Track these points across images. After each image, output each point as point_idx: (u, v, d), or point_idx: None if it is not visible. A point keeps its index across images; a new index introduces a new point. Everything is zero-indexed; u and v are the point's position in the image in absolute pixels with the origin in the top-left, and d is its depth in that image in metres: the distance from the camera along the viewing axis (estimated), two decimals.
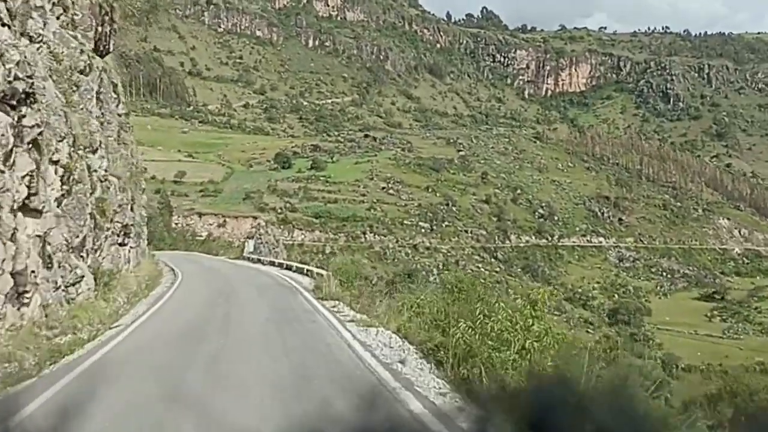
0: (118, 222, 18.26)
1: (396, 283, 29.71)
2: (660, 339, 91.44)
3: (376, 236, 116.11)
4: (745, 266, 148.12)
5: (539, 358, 8.53)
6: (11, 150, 9.71)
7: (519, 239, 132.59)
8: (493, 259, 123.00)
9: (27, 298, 10.67)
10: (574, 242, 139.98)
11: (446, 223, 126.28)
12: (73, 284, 13.04)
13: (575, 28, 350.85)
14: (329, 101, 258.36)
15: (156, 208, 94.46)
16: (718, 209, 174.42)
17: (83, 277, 13.37)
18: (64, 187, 12.29)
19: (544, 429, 2.69)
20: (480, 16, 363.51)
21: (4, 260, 9.60)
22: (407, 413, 7.39)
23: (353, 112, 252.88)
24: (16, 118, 9.97)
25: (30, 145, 10.40)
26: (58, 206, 11.97)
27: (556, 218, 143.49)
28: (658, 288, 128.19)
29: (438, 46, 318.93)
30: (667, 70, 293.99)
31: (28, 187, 10.44)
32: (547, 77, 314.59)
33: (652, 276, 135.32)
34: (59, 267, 12.18)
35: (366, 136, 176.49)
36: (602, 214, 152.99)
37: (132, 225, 21.12)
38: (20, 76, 9.91)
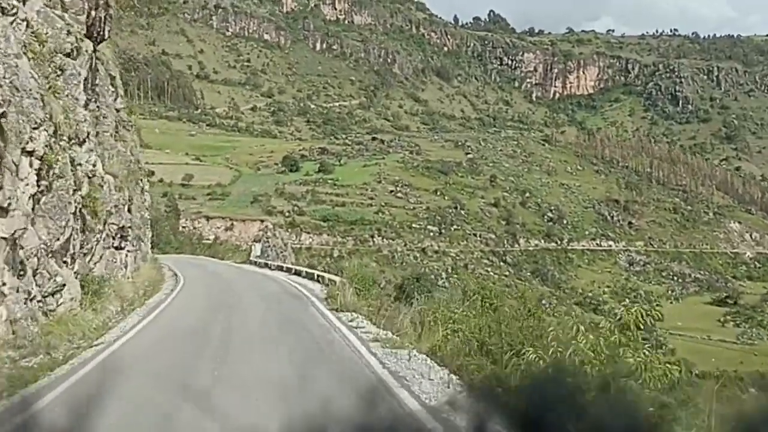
0: (113, 224, 16.83)
1: (404, 287, 27.96)
2: (672, 344, 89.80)
3: (385, 240, 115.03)
4: (757, 270, 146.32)
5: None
6: None
7: (528, 243, 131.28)
8: (502, 263, 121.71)
9: None
10: (583, 246, 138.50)
11: (455, 226, 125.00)
12: (52, 294, 11.43)
13: (583, 31, 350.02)
14: (337, 104, 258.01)
15: (163, 211, 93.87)
16: (729, 213, 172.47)
17: (65, 285, 11.76)
18: (42, 182, 10.72)
19: None
20: (487, 20, 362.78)
21: None
22: None
23: (361, 115, 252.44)
24: None
25: None
26: (34, 204, 10.41)
27: (565, 222, 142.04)
28: (670, 292, 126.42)
29: (445, 49, 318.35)
30: (676, 73, 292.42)
31: None
32: (555, 80, 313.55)
33: (663, 280, 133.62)
34: (34, 274, 10.67)
35: (374, 139, 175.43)
36: (612, 217, 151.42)
37: (130, 227, 19.52)
38: None
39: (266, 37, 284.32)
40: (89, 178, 11.74)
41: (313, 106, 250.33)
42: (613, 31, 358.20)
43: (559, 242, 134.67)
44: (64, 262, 11.64)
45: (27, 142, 9.72)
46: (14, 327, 9.81)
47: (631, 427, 5.22)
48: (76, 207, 11.04)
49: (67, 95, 11.37)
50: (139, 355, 11.52)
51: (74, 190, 10.99)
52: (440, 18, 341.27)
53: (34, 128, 9.86)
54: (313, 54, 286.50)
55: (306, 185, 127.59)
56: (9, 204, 9.15)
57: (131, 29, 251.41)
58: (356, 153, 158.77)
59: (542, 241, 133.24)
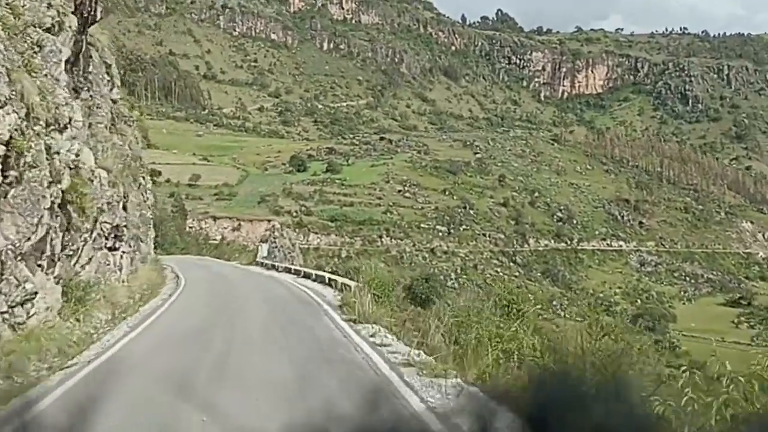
0: (106, 222, 15.34)
1: (413, 288, 26.21)
2: (686, 346, 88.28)
3: (393, 240, 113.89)
4: None
5: None
6: None
7: (538, 243, 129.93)
8: (512, 264, 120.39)
9: None
10: (593, 246, 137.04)
11: (464, 226, 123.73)
12: (22, 303, 9.76)
13: (591, 29, 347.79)
14: (344, 104, 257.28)
15: (169, 211, 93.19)
16: (741, 212, 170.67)
17: (36, 293, 10.10)
18: (11, 172, 9.15)
19: None
20: (495, 19, 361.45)
21: None
22: None
23: (368, 114, 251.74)
24: None
25: None
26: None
27: (575, 221, 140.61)
28: (682, 293, 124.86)
29: (453, 48, 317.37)
30: (686, 72, 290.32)
31: None
32: (564, 79, 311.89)
33: (675, 281, 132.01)
34: None
35: (381, 138, 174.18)
36: (622, 217, 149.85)
37: (125, 226, 17.99)
38: None
39: (273, 37, 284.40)
40: (71, 169, 10.33)
41: (320, 106, 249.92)
42: (622, 29, 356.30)
43: (569, 242, 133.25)
44: (39, 265, 10.04)
45: None
46: None
47: None
48: (52, 202, 9.60)
49: (45, 75, 10.03)
50: (110, 386, 9.21)
51: (50, 182, 9.51)
52: (448, 17, 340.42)
53: None
54: (320, 54, 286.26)
55: (313, 185, 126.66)
56: None
57: (139, 30, 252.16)
58: (364, 153, 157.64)
59: (552, 241, 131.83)
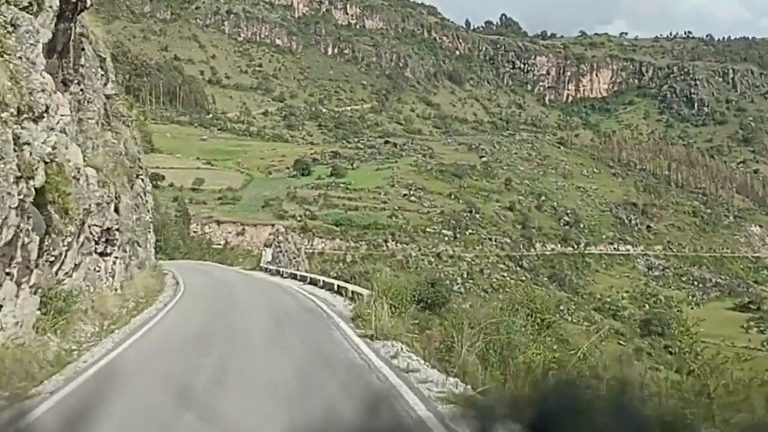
0: (95, 225, 14.18)
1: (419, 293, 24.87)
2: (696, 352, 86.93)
3: (398, 244, 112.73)
4: None
5: None
6: None
7: (544, 247, 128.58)
8: (518, 268, 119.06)
9: None
10: (600, 250, 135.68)
11: (470, 230, 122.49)
12: None
13: (596, 33, 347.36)
14: (348, 108, 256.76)
15: (173, 215, 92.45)
16: (749, 216, 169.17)
17: (1, 306, 8.68)
18: None
19: None
20: (499, 23, 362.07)
21: None
22: None
23: (373, 119, 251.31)
24: None
25: None
26: None
27: (582, 225, 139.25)
28: (691, 298, 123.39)
29: (457, 53, 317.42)
30: (691, 75, 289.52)
31: None
32: (568, 83, 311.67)
33: (683, 285, 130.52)
34: None
35: (386, 142, 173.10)
36: (629, 221, 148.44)
37: (117, 229, 16.76)
38: None
39: (278, 41, 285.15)
40: (46, 163, 9.23)
41: (324, 111, 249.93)
42: (626, 33, 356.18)
43: (576, 246, 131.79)
44: (8, 273, 8.75)
45: None
46: None
47: None
48: (21, 200, 8.44)
49: (19, 57, 8.97)
50: (100, 402, 7.61)
51: (18, 178, 8.35)
52: (452, 22, 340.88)
53: None
54: (324, 58, 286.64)
55: (318, 189, 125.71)
56: None
57: (144, 35, 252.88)
58: (368, 157, 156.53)
59: (559, 245, 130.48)
